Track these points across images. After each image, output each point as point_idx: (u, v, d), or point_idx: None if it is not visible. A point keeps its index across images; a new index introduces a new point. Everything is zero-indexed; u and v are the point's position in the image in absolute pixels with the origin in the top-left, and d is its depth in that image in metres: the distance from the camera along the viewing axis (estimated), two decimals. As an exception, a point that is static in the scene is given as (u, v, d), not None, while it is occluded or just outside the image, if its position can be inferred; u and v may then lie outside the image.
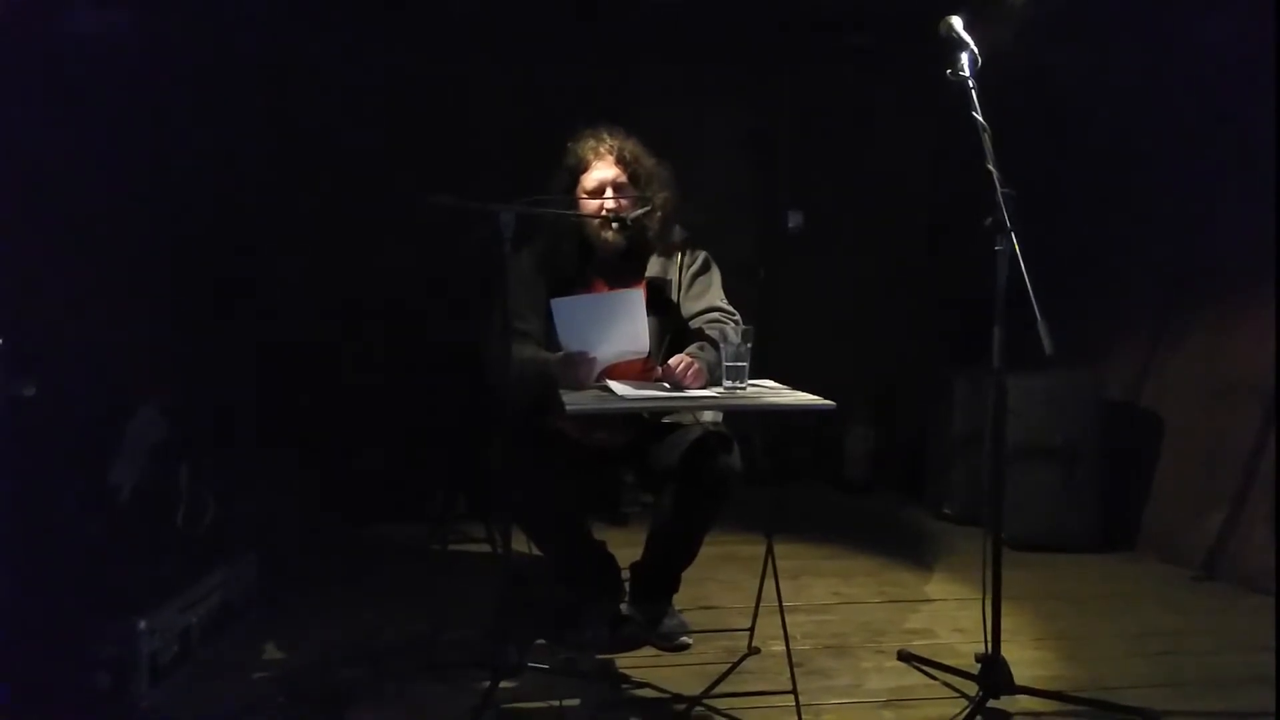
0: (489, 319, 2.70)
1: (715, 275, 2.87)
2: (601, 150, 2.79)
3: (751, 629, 2.76)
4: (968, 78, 2.34)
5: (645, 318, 2.54)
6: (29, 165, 2.77)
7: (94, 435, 2.67)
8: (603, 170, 2.78)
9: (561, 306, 2.52)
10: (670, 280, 2.82)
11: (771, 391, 2.50)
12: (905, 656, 2.69)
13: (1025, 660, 2.67)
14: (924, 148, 4.83)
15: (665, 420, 2.79)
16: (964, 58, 2.35)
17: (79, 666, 2.31)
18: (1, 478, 2.32)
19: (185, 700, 2.43)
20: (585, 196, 2.78)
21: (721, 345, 2.49)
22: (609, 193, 2.76)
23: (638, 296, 2.53)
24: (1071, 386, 3.84)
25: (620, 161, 2.79)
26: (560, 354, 2.57)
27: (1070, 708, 2.36)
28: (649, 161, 2.82)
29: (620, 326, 2.52)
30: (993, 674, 2.32)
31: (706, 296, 2.82)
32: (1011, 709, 2.34)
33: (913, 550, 3.87)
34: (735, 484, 2.59)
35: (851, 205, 4.93)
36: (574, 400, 2.32)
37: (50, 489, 2.47)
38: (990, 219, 2.27)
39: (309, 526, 3.89)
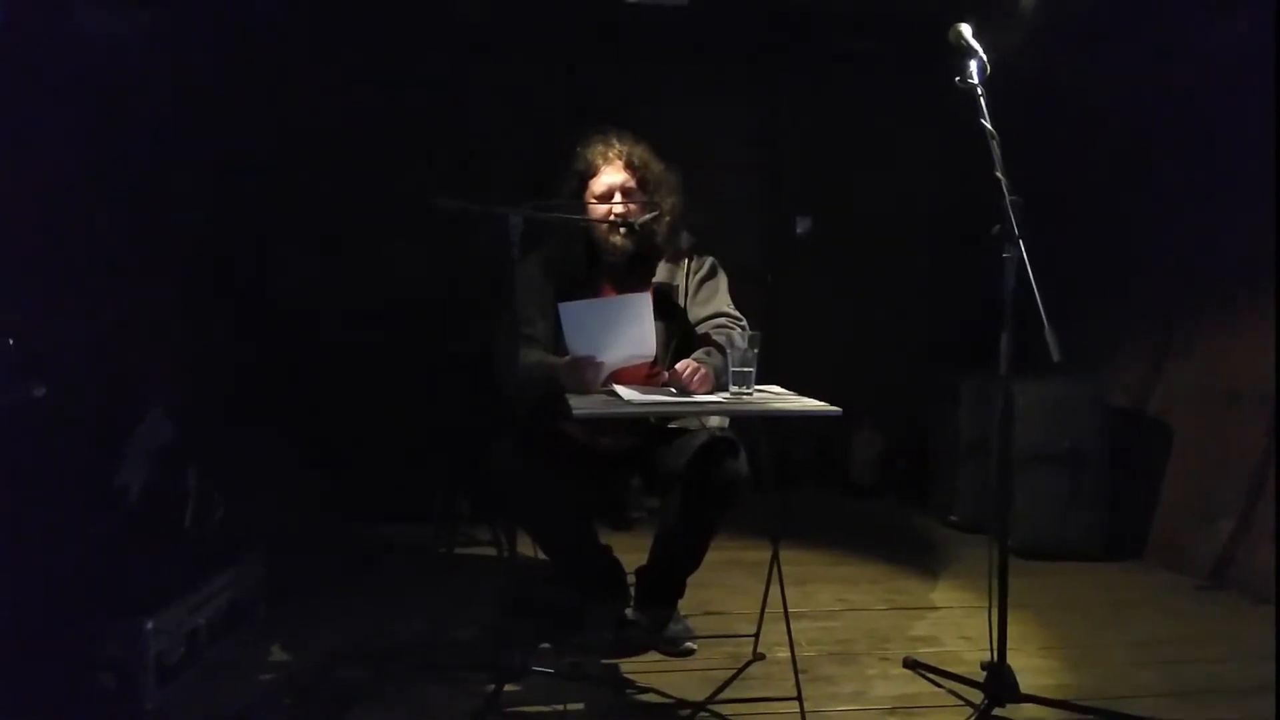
0: (497, 322, 2.71)
1: (722, 280, 2.87)
2: (610, 155, 2.80)
3: (756, 635, 2.76)
4: (976, 85, 2.35)
5: (652, 322, 2.53)
6: (38, 166, 2.79)
7: (103, 436, 2.68)
8: (611, 175, 2.78)
9: (568, 311, 2.52)
10: (677, 285, 2.82)
11: (778, 397, 2.50)
12: (911, 664, 2.69)
13: (1031, 669, 2.66)
14: (932, 153, 4.82)
15: (672, 425, 2.80)
16: (973, 65, 2.35)
17: (85, 667, 2.32)
18: (11, 478, 2.33)
19: (192, 701, 2.43)
20: (594, 201, 2.78)
21: (728, 350, 2.49)
22: (617, 197, 2.76)
23: (644, 301, 2.53)
24: (1078, 393, 3.83)
25: (629, 166, 2.79)
26: (567, 358, 2.57)
27: (1076, 717, 2.35)
28: (657, 166, 2.83)
29: (627, 331, 2.52)
30: (998, 682, 2.31)
31: (713, 302, 2.82)
32: (1017, 717, 2.33)
33: (919, 557, 3.86)
34: (741, 489, 2.59)
35: (859, 211, 4.93)
36: (580, 404, 2.32)
37: (59, 489, 2.48)
38: (998, 226, 2.27)
39: (316, 528, 3.90)
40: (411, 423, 4.29)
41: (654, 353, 2.61)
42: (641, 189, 2.79)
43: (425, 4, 4.21)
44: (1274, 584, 3.10)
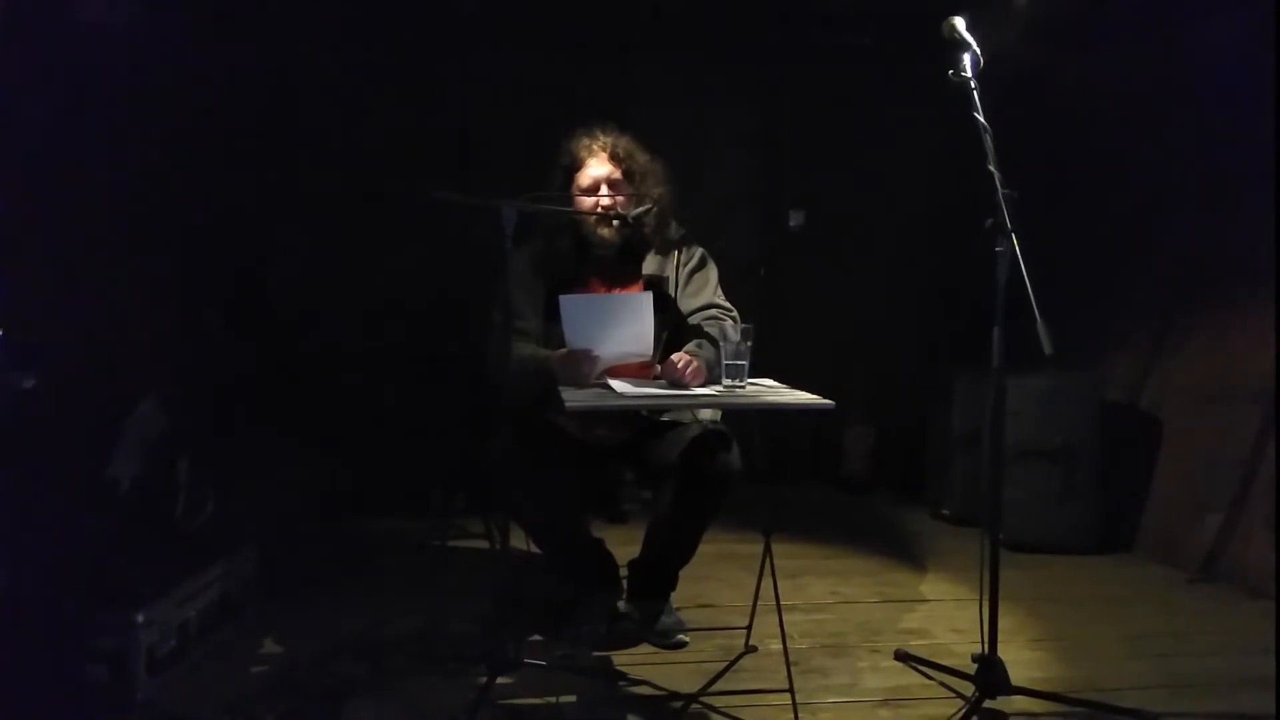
0: (489, 315, 2.70)
1: (712, 271, 2.87)
2: (595, 147, 2.80)
3: (749, 627, 2.76)
4: (969, 78, 2.35)
5: (652, 322, 2.52)
6: (30, 158, 2.77)
7: (94, 428, 2.67)
8: (596, 167, 2.78)
9: (569, 304, 2.51)
10: (667, 277, 2.82)
11: (771, 390, 2.50)
12: (902, 656, 2.69)
13: (1022, 661, 2.67)
14: (925, 147, 4.82)
15: (664, 418, 2.80)
16: (966, 58, 2.36)
17: (77, 659, 2.32)
18: (1, 470, 2.32)
19: (183, 693, 2.43)
20: (580, 194, 2.78)
21: (721, 343, 2.49)
22: (604, 190, 2.76)
23: (646, 300, 2.51)
24: (1071, 387, 3.84)
25: (614, 158, 2.79)
26: (563, 350, 2.57)
27: (1067, 709, 2.35)
28: (643, 158, 2.83)
29: (627, 328, 2.51)
30: (989, 674, 2.32)
31: (704, 293, 2.82)
32: (1008, 709, 2.34)
33: (911, 550, 3.87)
34: (734, 482, 2.59)
35: (852, 204, 4.92)
36: (573, 397, 2.32)
37: (49, 482, 2.48)
38: (991, 220, 2.27)
39: (308, 521, 3.89)
40: (404, 416, 4.28)
41: (651, 351, 2.60)
42: (628, 180, 2.79)
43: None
44: (1271, 578, 3.11)
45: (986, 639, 2.33)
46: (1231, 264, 3.62)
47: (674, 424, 2.76)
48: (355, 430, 4.23)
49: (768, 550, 2.52)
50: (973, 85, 2.34)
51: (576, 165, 2.80)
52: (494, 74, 4.50)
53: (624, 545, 2.96)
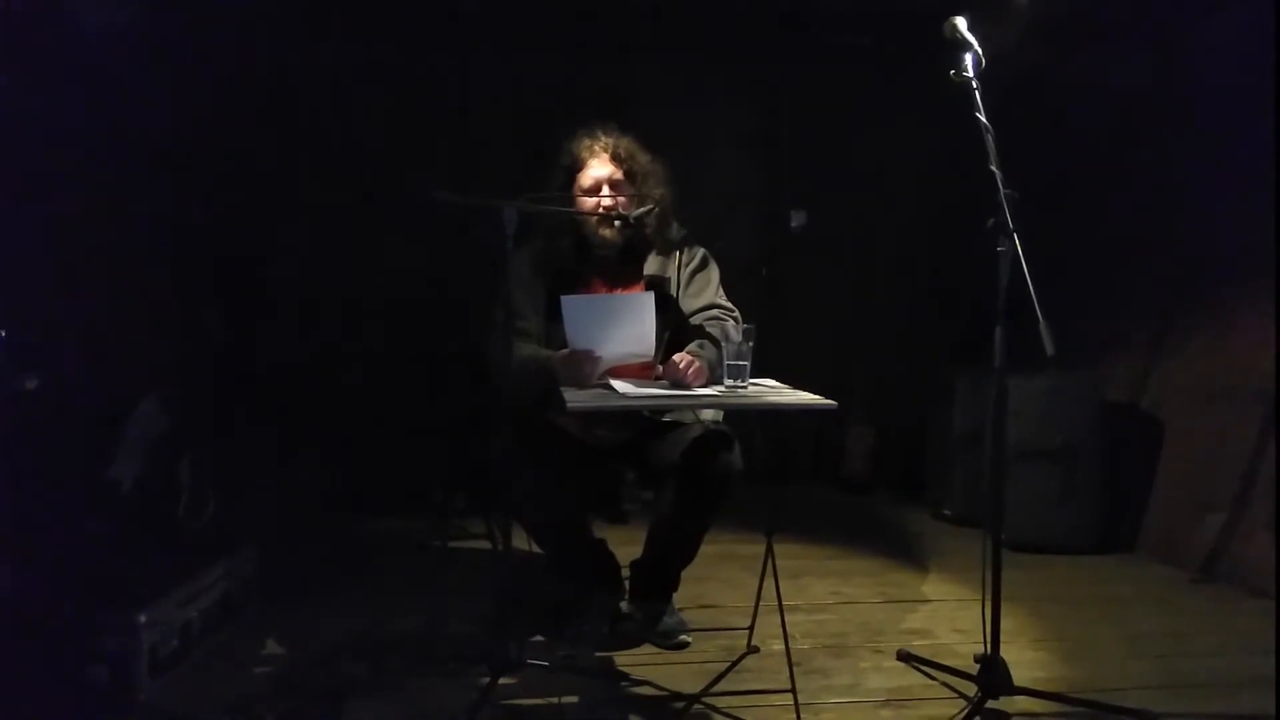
0: (490, 315, 2.70)
1: (714, 272, 2.87)
2: (596, 148, 2.79)
3: (751, 628, 2.76)
4: (971, 79, 2.35)
5: (654, 322, 2.52)
6: (32, 157, 2.77)
7: (96, 429, 2.67)
8: (598, 168, 2.78)
9: (571, 304, 2.51)
10: (669, 278, 2.82)
11: (773, 391, 2.50)
12: (904, 656, 2.69)
13: (1024, 661, 2.67)
14: (925, 147, 4.82)
15: (666, 418, 2.79)
16: (968, 58, 2.36)
17: (79, 659, 2.31)
18: (3, 470, 2.32)
19: (185, 694, 2.43)
20: (581, 194, 2.78)
21: (723, 343, 2.49)
22: (605, 190, 2.76)
23: (648, 300, 2.51)
24: (1072, 388, 3.84)
25: (615, 159, 2.79)
26: (564, 351, 2.57)
27: (1069, 709, 2.35)
28: (644, 158, 2.82)
29: (628, 328, 2.51)
30: (992, 674, 2.32)
31: (705, 294, 2.82)
32: (1010, 710, 2.34)
33: (912, 550, 3.87)
34: (735, 483, 2.59)
35: (853, 204, 4.92)
36: (575, 397, 2.32)
37: (52, 482, 2.47)
38: (993, 220, 2.27)
39: (309, 521, 3.89)
40: (404, 416, 4.28)
41: (653, 352, 2.60)
42: (629, 181, 2.79)
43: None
44: (1271, 577, 3.11)
45: (989, 639, 2.32)
46: (1231, 264, 3.62)
47: (675, 424, 2.76)
48: (355, 430, 4.24)
49: (769, 551, 2.52)
50: (974, 85, 2.34)
51: (578, 166, 2.80)
52: (494, 74, 4.50)
53: (625, 545, 2.95)
